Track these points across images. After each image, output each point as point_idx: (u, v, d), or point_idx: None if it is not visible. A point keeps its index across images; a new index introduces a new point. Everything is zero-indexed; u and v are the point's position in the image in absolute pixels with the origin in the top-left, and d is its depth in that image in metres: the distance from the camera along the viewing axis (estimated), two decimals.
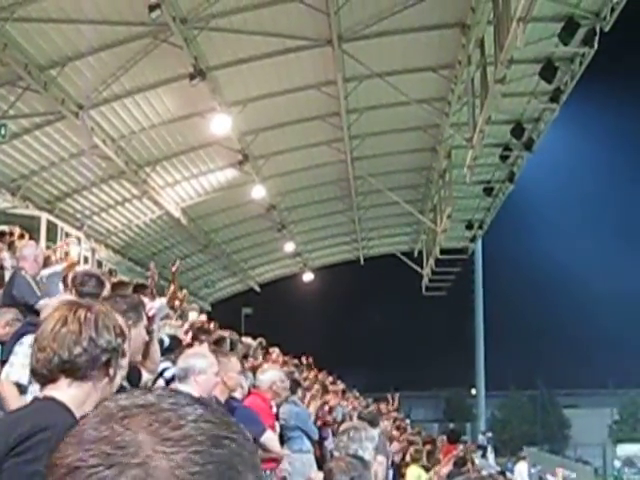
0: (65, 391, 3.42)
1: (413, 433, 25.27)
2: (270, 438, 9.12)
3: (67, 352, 3.42)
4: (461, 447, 23.15)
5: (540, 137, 28.37)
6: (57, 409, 3.33)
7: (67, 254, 18.06)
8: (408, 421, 30.39)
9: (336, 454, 6.94)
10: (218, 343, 11.40)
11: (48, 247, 21.18)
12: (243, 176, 30.85)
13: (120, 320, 3.76)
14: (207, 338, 11.32)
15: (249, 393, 10.17)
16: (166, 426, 1.10)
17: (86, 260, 28.68)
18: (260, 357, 17.06)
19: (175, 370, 7.45)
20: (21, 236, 18.21)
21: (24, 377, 6.94)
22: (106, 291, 7.91)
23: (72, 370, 3.43)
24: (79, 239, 28.82)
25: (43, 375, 3.47)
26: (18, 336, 7.33)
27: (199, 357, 7.19)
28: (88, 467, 1.05)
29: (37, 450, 3.11)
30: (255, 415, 9.05)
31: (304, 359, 24.43)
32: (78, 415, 3.24)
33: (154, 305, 6.09)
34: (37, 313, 9.39)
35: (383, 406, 26.94)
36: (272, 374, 10.50)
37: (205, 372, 6.91)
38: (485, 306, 65.48)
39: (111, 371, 3.53)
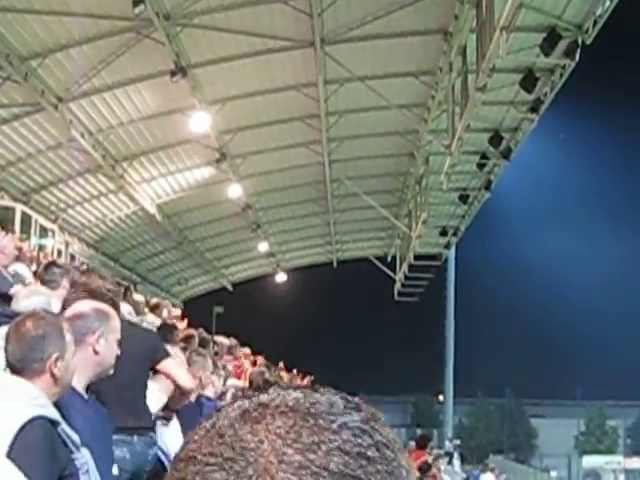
0: None
1: None
2: None
3: None
4: (429, 453, 23.21)
5: (518, 146, 28.43)
6: None
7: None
8: None
9: None
10: (186, 340, 11.40)
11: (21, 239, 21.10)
12: (220, 174, 30.81)
13: None
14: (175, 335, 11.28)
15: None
16: (300, 439, 0.90)
17: (59, 253, 28.60)
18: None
19: None
20: None
21: None
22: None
23: None
24: (53, 232, 28.78)
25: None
26: None
27: None
28: (202, 462, 0.91)
29: None
30: None
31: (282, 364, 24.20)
32: None
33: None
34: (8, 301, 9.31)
35: None
36: None
37: None
38: (456, 313, 65.66)
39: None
